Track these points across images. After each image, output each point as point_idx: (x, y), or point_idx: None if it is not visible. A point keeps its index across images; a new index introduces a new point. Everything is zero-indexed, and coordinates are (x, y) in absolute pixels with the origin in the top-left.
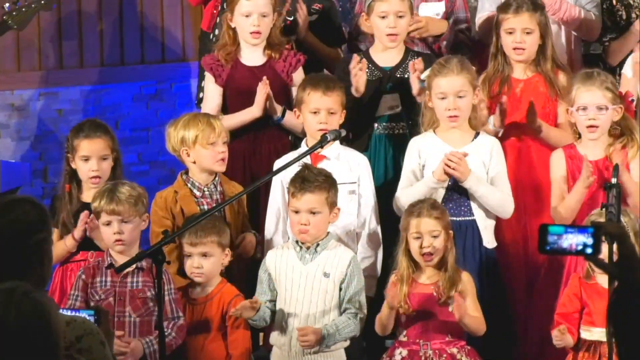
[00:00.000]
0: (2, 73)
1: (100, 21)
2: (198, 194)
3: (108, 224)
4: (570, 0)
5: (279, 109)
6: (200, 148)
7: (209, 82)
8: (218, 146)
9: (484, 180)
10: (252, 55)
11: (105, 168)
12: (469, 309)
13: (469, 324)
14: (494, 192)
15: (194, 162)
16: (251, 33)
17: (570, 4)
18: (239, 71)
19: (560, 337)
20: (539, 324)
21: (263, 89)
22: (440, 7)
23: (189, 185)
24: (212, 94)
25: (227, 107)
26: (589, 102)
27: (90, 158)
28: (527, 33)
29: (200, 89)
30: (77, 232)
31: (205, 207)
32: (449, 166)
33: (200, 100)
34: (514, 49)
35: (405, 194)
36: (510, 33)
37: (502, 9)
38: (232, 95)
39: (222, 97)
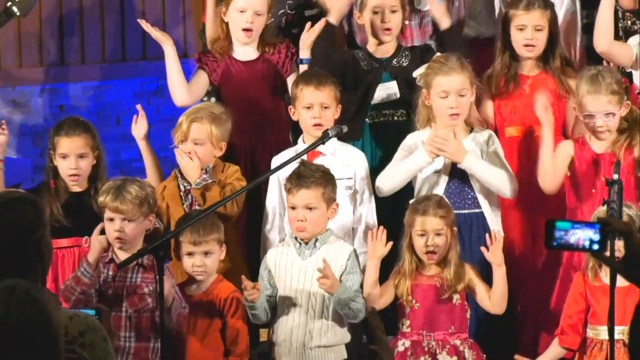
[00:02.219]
0: (3, 69)
1: (101, 17)
2: (182, 188)
3: (111, 220)
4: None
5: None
6: (177, 144)
7: (198, 73)
8: (186, 146)
9: (482, 160)
10: (245, 50)
11: (84, 166)
12: (483, 294)
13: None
14: (494, 170)
15: None
16: (243, 30)
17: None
18: (234, 67)
19: None
20: (534, 316)
21: None
22: None
23: (178, 180)
24: (194, 80)
25: (224, 102)
26: (596, 110)
27: (69, 156)
28: (538, 30)
29: None
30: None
31: (190, 199)
32: (437, 148)
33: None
34: (525, 45)
35: (385, 174)
36: (521, 29)
37: (513, 4)
38: (228, 90)
39: (205, 82)
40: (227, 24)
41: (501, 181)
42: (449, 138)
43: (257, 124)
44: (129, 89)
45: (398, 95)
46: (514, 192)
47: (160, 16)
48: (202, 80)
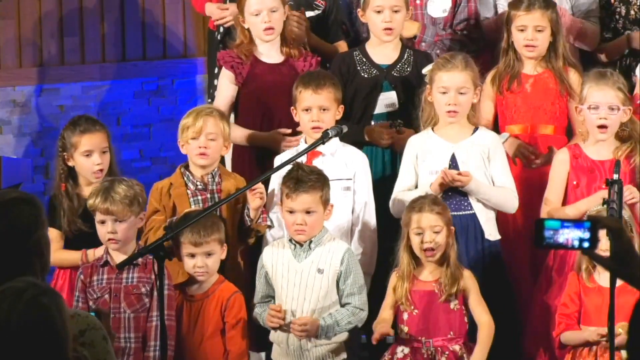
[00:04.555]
0: (3, 69)
1: (101, 17)
2: (192, 187)
3: (102, 222)
4: (567, 8)
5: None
6: (185, 142)
7: (225, 79)
8: (199, 141)
9: (483, 182)
10: (271, 53)
11: (106, 161)
12: (473, 306)
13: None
14: (494, 191)
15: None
16: (264, 30)
17: (570, 15)
18: (258, 68)
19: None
20: (541, 320)
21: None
22: (447, 3)
23: (185, 178)
24: (225, 91)
25: (245, 104)
26: (601, 101)
27: (93, 152)
28: (539, 30)
29: (211, 84)
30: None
31: (200, 198)
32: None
33: (213, 97)
34: (526, 46)
35: (400, 201)
36: (522, 30)
37: (514, 5)
38: (250, 92)
39: (235, 94)
40: (249, 29)
41: (501, 200)
42: (455, 177)
43: (270, 127)
44: (129, 89)
45: (397, 106)
46: (515, 208)
47: (161, 16)
48: (231, 87)
